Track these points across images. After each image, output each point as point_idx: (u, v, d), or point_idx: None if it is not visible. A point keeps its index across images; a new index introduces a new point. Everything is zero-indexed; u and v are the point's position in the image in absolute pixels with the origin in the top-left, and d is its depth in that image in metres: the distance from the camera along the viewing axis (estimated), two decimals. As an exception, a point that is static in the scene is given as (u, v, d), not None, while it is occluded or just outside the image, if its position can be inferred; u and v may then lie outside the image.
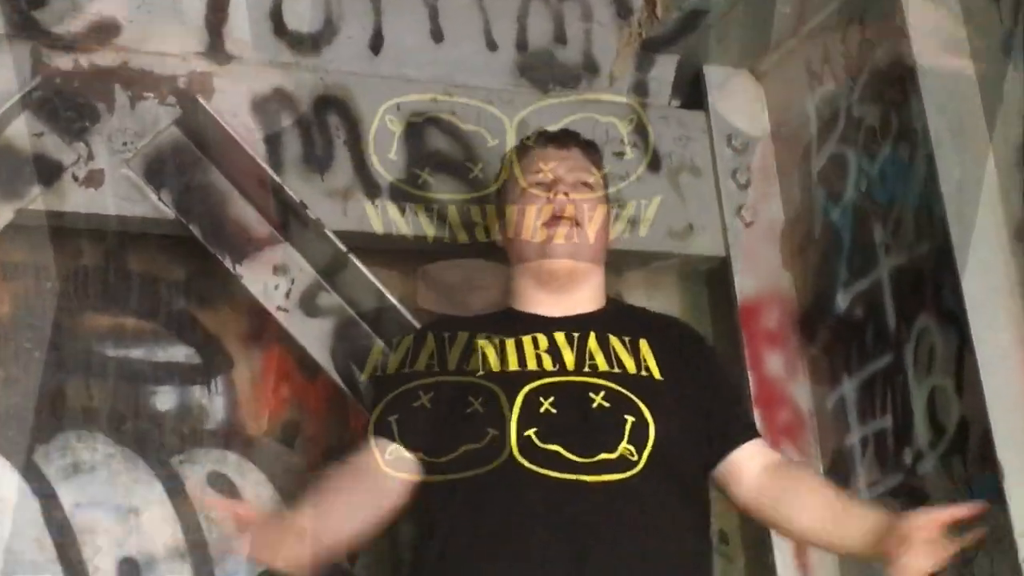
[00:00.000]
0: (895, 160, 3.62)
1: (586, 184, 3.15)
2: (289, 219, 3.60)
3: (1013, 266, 3.32)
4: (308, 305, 3.60)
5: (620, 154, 3.91)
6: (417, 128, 3.75)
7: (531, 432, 2.86)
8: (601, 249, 3.16)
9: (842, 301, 3.77)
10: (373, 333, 3.50)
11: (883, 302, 3.63)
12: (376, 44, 3.82)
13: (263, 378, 3.73)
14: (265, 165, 3.57)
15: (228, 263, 3.57)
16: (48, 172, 3.45)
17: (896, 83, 3.59)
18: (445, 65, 3.87)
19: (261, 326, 3.71)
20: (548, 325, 3.06)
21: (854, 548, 2.94)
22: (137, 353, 3.65)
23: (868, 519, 2.88)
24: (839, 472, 3.74)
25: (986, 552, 3.22)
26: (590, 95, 3.97)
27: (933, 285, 3.46)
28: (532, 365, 2.98)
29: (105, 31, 3.58)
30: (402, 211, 3.65)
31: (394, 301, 3.49)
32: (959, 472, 3.36)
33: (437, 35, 3.88)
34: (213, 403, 3.68)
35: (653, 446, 2.88)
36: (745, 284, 3.94)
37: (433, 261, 3.71)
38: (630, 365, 2.99)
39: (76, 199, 3.47)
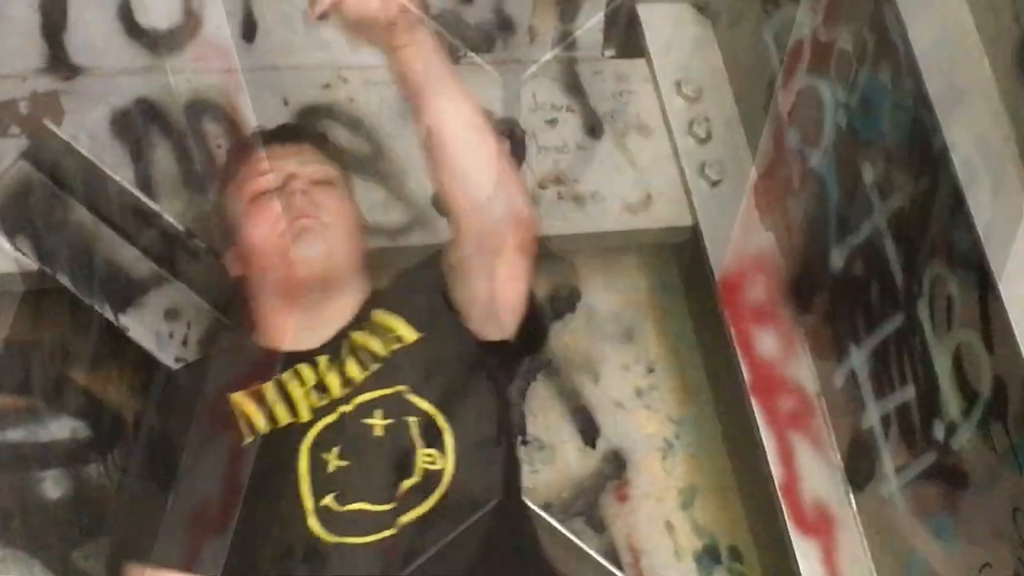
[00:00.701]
0: (876, 86, 3.53)
1: (326, 182, 3.06)
2: (175, 252, 3.53)
3: None
4: (209, 346, 3.53)
5: (553, 121, 3.85)
6: (310, 122, 3.65)
7: (328, 499, 2.81)
8: (356, 244, 3.06)
9: (837, 259, 3.69)
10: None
11: (885, 253, 3.53)
12: (248, 31, 3.70)
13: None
14: (137, 192, 3.47)
15: (109, 314, 3.47)
16: None
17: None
18: (335, 44, 3.67)
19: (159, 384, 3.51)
20: (305, 357, 2.99)
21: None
22: (14, 436, 3.52)
23: None
24: (861, 460, 3.69)
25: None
26: (509, 57, 3.90)
27: (941, 226, 3.36)
28: (303, 413, 2.92)
29: None
30: None
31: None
32: (1002, 441, 3.25)
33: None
34: (114, 481, 3.55)
35: (453, 435, 2.86)
36: (721, 254, 3.87)
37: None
38: (378, 347, 2.95)
39: None
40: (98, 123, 3.50)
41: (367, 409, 2.87)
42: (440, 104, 2.84)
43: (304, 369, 2.94)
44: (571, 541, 3.46)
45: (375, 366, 2.91)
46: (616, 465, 3.71)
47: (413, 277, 3.13)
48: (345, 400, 2.88)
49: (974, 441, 3.29)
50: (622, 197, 3.83)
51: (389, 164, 3.64)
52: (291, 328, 3.00)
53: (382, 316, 2.99)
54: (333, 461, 2.83)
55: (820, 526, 3.64)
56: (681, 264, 3.99)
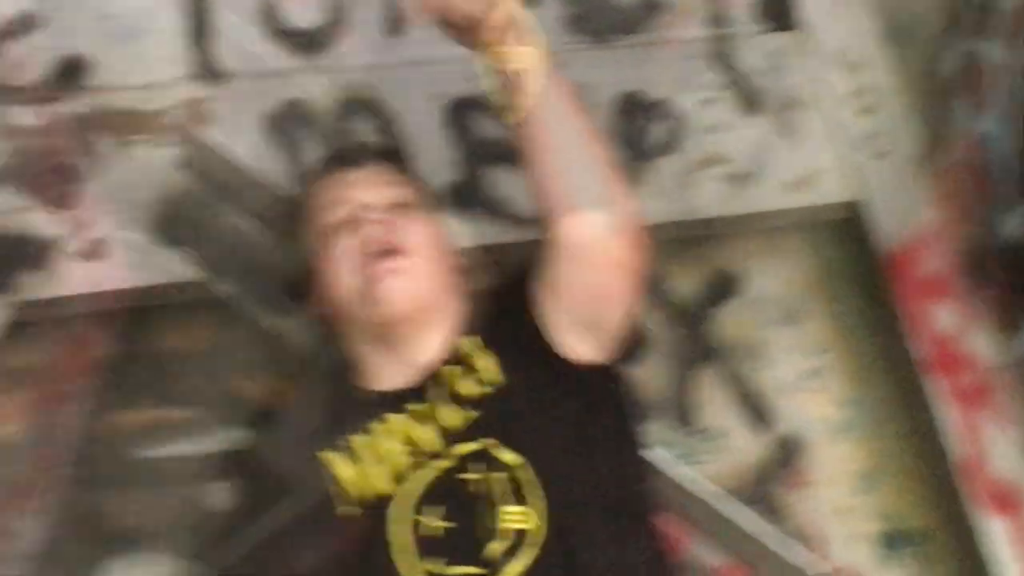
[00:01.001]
0: None
1: (404, 205, 2.94)
2: None
3: None
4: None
5: (707, 101, 3.78)
6: (461, 115, 3.63)
7: (434, 566, 2.73)
8: (445, 272, 2.96)
9: (1014, 226, 3.65)
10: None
11: None
12: (394, 26, 3.66)
13: None
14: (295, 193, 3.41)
15: (271, 320, 3.51)
16: (37, 253, 3.40)
17: None
18: None
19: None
20: (397, 401, 2.89)
21: None
22: (182, 449, 3.55)
23: None
24: None
25: None
26: (658, 38, 3.83)
27: None
28: (404, 466, 2.84)
29: (71, 71, 3.48)
30: (469, 218, 3.56)
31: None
32: None
33: None
34: None
35: (546, 490, 2.74)
36: (889, 229, 3.80)
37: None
38: (470, 390, 2.84)
39: (79, 279, 3.41)
40: (249, 127, 3.51)
41: (463, 463, 2.80)
42: (544, 108, 2.76)
43: (394, 420, 2.87)
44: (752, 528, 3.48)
45: (470, 413, 2.83)
46: (789, 451, 3.69)
47: (501, 303, 2.99)
48: (441, 454, 2.81)
49: None
50: (783, 175, 3.78)
51: None
52: (379, 365, 2.94)
53: (473, 351, 2.88)
54: (434, 522, 2.77)
55: (1008, 505, 3.62)
56: (846, 242, 3.89)
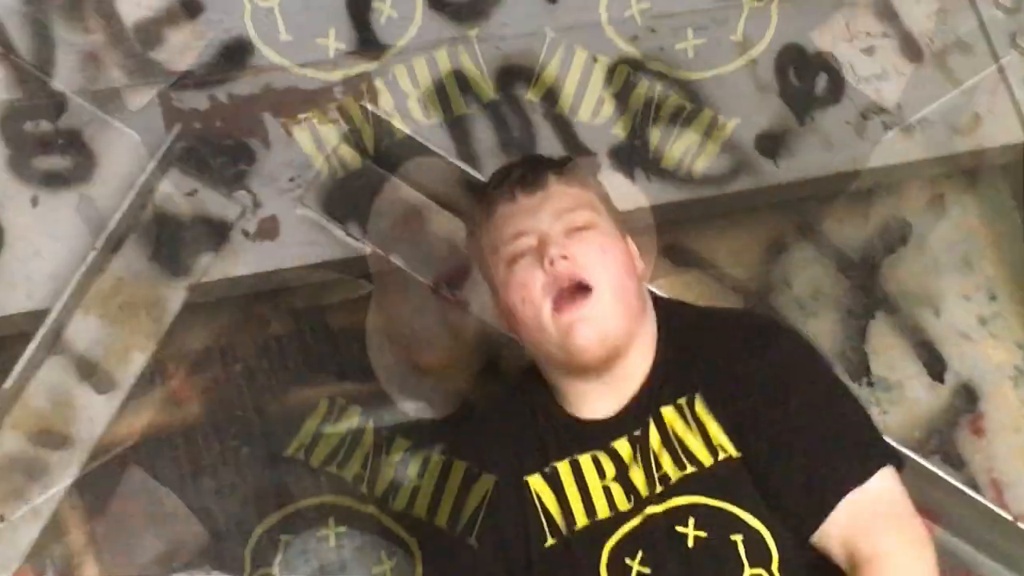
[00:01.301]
0: None
1: (582, 227, 2.84)
2: None
3: None
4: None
5: (869, 49, 3.77)
6: (627, 80, 3.60)
7: None
8: (631, 290, 2.86)
9: None
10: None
11: None
12: None
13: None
14: (462, 164, 3.49)
15: (446, 291, 3.47)
16: (214, 234, 3.43)
17: None
18: None
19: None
20: (604, 433, 2.84)
21: None
22: (359, 423, 3.52)
23: None
24: None
25: None
26: None
27: None
28: (603, 511, 2.79)
29: (235, 54, 3.53)
30: (633, 179, 3.53)
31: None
32: None
33: None
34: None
35: (779, 555, 2.71)
36: None
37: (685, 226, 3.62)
38: (703, 455, 2.78)
39: (252, 258, 3.44)
40: (413, 99, 3.52)
41: (681, 515, 2.75)
42: None
43: (602, 456, 2.83)
44: (935, 475, 3.35)
45: (693, 469, 2.78)
46: (968, 398, 3.64)
47: (744, 369, 2.85)
48: (655, 501, 2.77)
49: None
50: (949, 120, 3.76)
51: (705, 111, 3.58)
52: (581, 393, 2.88)
53: (702, 412, 2.80)
54: (635, 568, 2.75)
55: None
56: (1015, 184, 3.89)
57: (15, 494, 3.19)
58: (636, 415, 2.82)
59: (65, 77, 3.41)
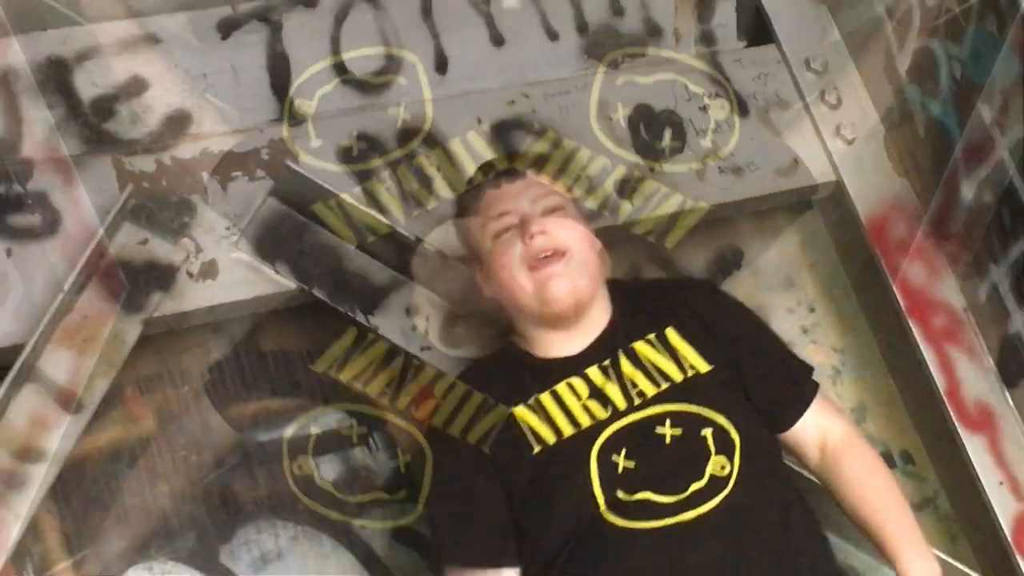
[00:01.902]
0: (984, 37, 3.58)
1: (554, 208, 3.10)
2: (407, 258, 3.58)
3: None
4: (449, 338, 3.62)
5: (704, 108, 3.91)
6: (504, 135, 3.75)
7: (619, 492, 2.86)
8: (593, 259, 3.09)
9: (967, 191, 3.71)
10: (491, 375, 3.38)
11: (1011, 180, 3.59)
12: (441, 65, 3.82)
13: (419, 420, 3.62)
14: (370, 210, 3.56)
15: (360, 318, 3.54)
16: (162, 276, 3.45)
17: None
18: (513, 67, 3.87)
19: (406, 373, 3.63)
20: (576, 365, 3.04)
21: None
22: (290, 431, 3.63)
23: (887, 546, 3.02)
24: (1011, 361, 3.72)
25: None
26: (659, 60, 3.97)
27: None
28: (585, 421, 2.96)
29: (177, 123, 3.61)
30: None
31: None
32: None
33: (498, 40, 3.88)
34: (377, 460, 3.68)
35: (741, 447, 2.91)
36: (864, 202, 3.89)
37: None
38: (673, 372, 3.00)
39: (195, 296, 3.48)
40: (327, 158, 3.62)
41: (659, 419, 2.94)
42: None
43: (576, 382, 3.01)
44: None
45: (666, 385, 2.99)
46: None
47: (705, 308, 3.18)
48: (635, 410, 2.95)
49: None
50: (773, 165, 3.89)
51: (571, 160, 3.68)
52: (550, 340, 3.08)
53: (676, 340, 3.05)
54: (621, 462, 2.91)
55: (983, 422, 3.69)
56: (827, 215, 4.03)
57: (-1, 502, 3.19)
58: (603, 349, 3.04)
59: (32, 146, 3.45)
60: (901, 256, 3.87)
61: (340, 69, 3.74)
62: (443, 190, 3.68)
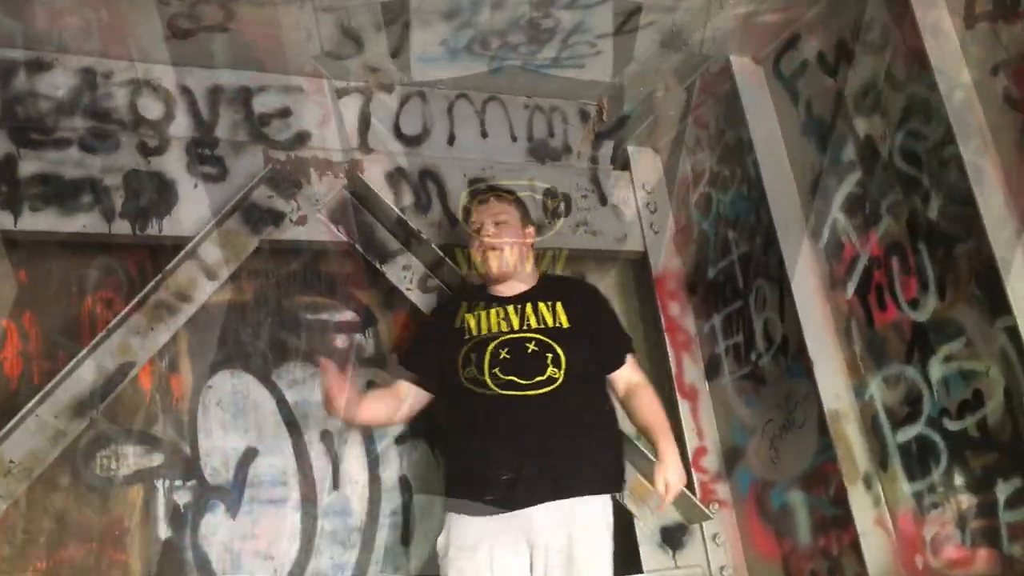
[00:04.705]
0: (740, 195, 3.78)
1: (500, 222, 3.15)
2: (410, 239, 3.73)
3: (812, 249, 3.47)
4: (423, 286, 3.75)
5: (585, 195, 4.09)
6: (475, 184, 3.84)
7: (496, 370, 2.97)
8: (522, 254, 3.15)
9: (711, 273, 3.93)
10: (459, 297, 3.43)
11: (735, 272, 3.80)
12: (451, 140, 3.98)
13: (395, 328, 3.78)
14: (395, 208, 3.70)
15: (376, 264, 3.70)
16: (275, 218, 3.60)
17: (740, 152, 3.75)
18: (489, 150, 4.01)
19: (393, 300, 3.80)
20: (504, 301, 3.14)
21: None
22: (324, 316, 3.72)
23: (657, 447, 3.05)
24: (714, 367, 3.91)
25: (802, 406, 3.44)
26: (567, 165, 4.11)
27: (764, 262, 3.63)
28: (495, 329, 3.05)
29: (304, 138, 3.77)
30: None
31: (472, 283, 3.53)
32: (783, 364, 3.55)
33: (484, 133, 4.03)
34: (368, 343, 3.77)
35: (566, 367, 2.98)
36: (656, 266, 4.07)
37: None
38: (550, 320, 3.07)
39: (292, 233, 3.63)
40: (379, 175, 3.78)
41: (529, 339, 3.01)
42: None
43: (498, 308, 3.10)
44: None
45: (542, 325, 3.04)
46: None
47: (584, 299, 3.16)
48: (521, 331, 3.02)
49: (769, 362, 3.60)
50: (613, 234, 4.07)
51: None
52: (495, 287, 3.15)
53: (559, 309, 3.07)
54: (503, 354, 2.99)
55: (691, 395, 3.91)
56: (636, 269, 4.19)
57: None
58: (519, 299, 3.09)
59: (223, 131, 3.53)
60: (669, 299, 4.03)
61: (396, 128, 3.89)
62: (437, 208, 3.84)
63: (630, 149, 4.14)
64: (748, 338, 3.69)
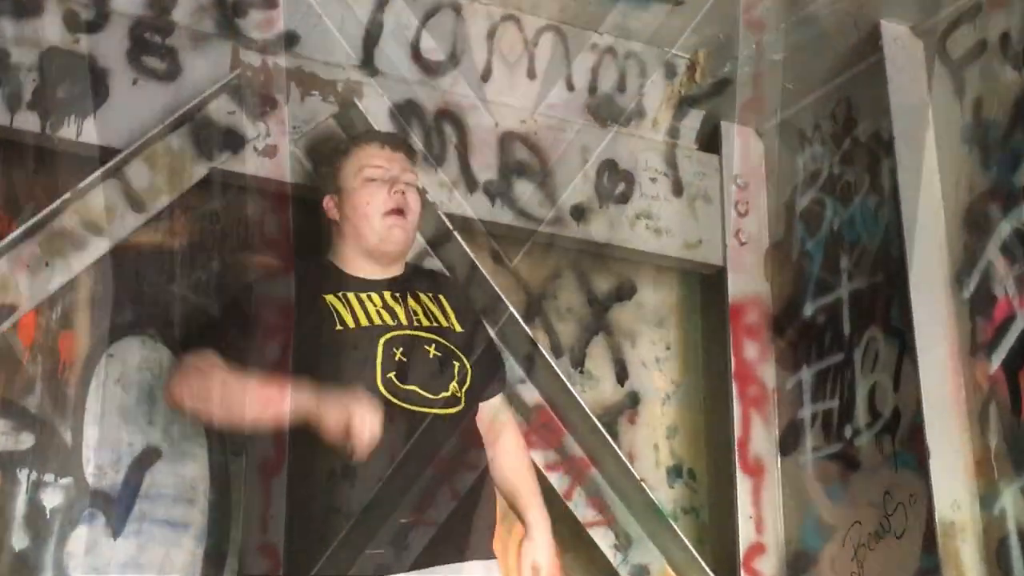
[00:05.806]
0: (864, 209, 3.66)
1: (414, 185, 3.13)
2: None
3: (951, 298, 3.37)
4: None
5: (654, 179, 3.95)
6: (508, 142, 3.77)
7: (391, 375, 2.90)
8: (416, 227, 3.18)
9: (808, 310, 3.81)
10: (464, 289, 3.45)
11: (841, 314, 3.67)
12: (486, 75, 3.81)
13: None
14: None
15: None
16: (235, 142, 3.44)
17: (874, 152, 3.64)
18: (534, 97, 3.86)
19: None
20: (375, 286, 3.06)
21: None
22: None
23: (520, 513, 3.10)
24: (792, 437, 3.80)
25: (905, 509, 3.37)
26: (636, 133, 4.00)
27: (884, 306, 3.52)
28: (377, 321, 2.98)
29: (288, 40, 3.57)
30: (492, 203, 3.70)
31: (481, 269, 3.53)
32: (888, 448, 3.45)
33: (532, 73, 3.87)
34: None
35: (469, 386, 2.98)
36: (735, 288, 3.96)
37: (511, 243, 3.75)
38: (442, 320, 3.05)
39: (254, 165, 3.47)
40: (381, 108, 3.60)
41: (428, 341, 2.99)
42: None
43: (373, 295, 3.04)
44: (605, 439, 3.54)
45: (435, 324, 3.04)
46: (632, 400, 3.85)
47: (461, 299, 3.20)
48: (413, 328, 3.00)
49: (870, 443, 3.49)
50: (684, 237, 3.95)
51: (551, 177, 3.76)
52: (364, 266, 3.08)
53: (445, 302, 3.10)
54: (398, 355, 2.94)
55: (756, 471, 3.78)
56: (704, 288, 4.08)
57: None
58: (394, 285, 3.06)
59: (181, 15, 3.41)
60: (745, 336, 3.91)
61: (415, 47, 3.72)
62: (452, 164, 3.72)
63: (724, 126, 4.04)
64: (846, 405, 3.58)
